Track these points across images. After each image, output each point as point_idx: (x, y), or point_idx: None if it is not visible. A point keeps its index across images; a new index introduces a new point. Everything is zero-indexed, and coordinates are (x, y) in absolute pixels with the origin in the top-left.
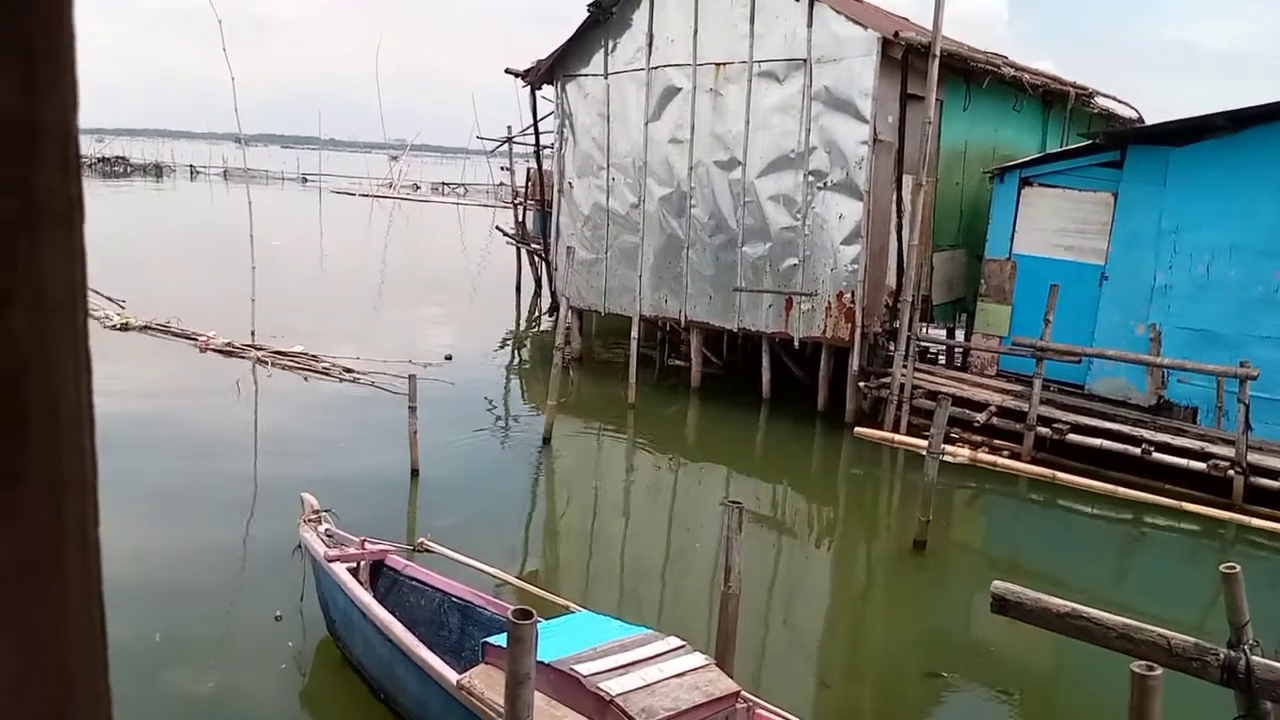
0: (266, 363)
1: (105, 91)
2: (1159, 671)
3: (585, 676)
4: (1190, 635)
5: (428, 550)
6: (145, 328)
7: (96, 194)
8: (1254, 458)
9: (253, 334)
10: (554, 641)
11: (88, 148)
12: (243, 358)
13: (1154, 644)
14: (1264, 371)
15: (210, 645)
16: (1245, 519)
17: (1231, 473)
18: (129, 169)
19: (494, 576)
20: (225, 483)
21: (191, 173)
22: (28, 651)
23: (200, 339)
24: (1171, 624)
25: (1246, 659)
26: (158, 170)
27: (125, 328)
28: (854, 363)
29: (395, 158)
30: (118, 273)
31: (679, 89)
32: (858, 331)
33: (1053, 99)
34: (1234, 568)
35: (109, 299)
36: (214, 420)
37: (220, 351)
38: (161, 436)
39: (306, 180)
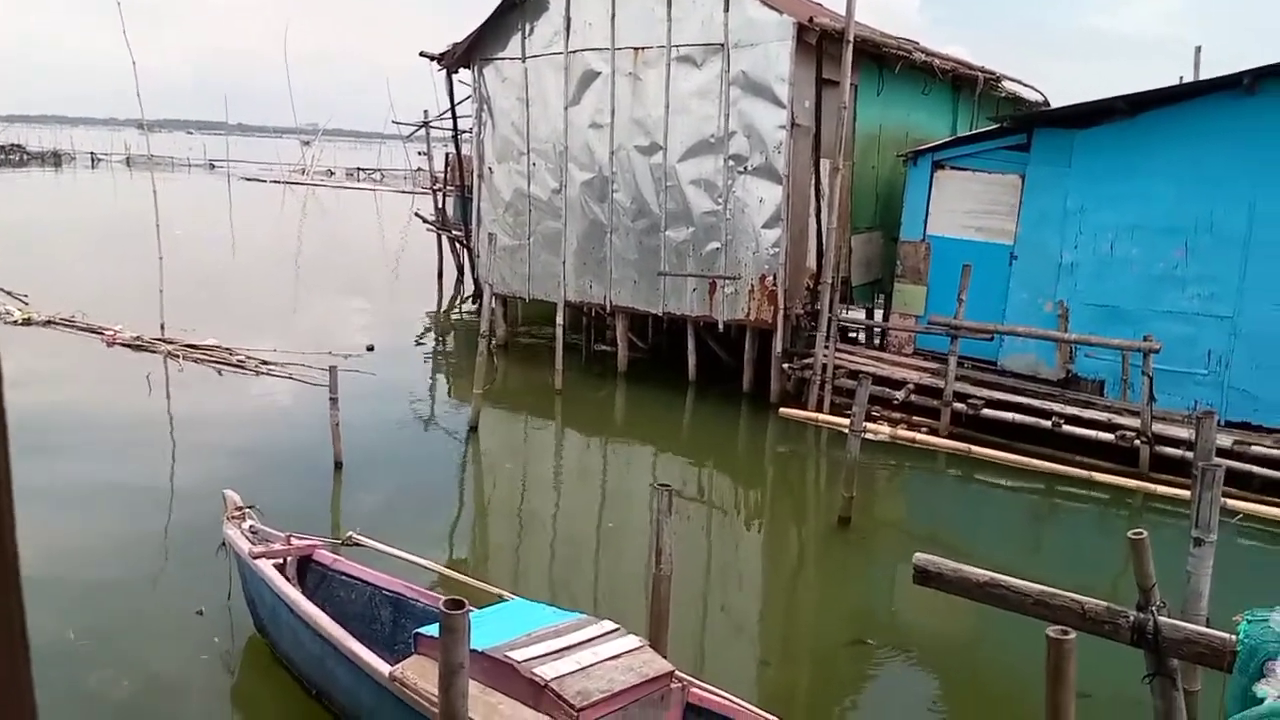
0: (178, 356)
1: None
2: (1073, 635)
3: (519, 663)
4: (1103, 599)
5: (357, 544)
6: (49, 322)
7: None
8: (1158, 428)
9: (162, 327)
10: (487, 630)
11: None
12: (153, 352)
13: (1068, 609)
14: (1166, 345)
15: (132, 646)
16: (1151, 487)
17: (1138, 443)
18: (25, 157)
19: (425, 568)
20: (140, 481)
21: (93, 160)
22: None
23: (107, 333)
24: (1085, 589)
25: (1154, 620)
26: (56, 158)
27: (28, 323)
28: (777, 344)
29: (307, 143)
30: (17, 266)
31: (598, 73)
32: (780, 314)
33: (962, 83)
34: (1141, 534)
35: (9, 293)
36: (125, 417)
37: (129, 345)
38: (70, 435)
39: (214, 167)
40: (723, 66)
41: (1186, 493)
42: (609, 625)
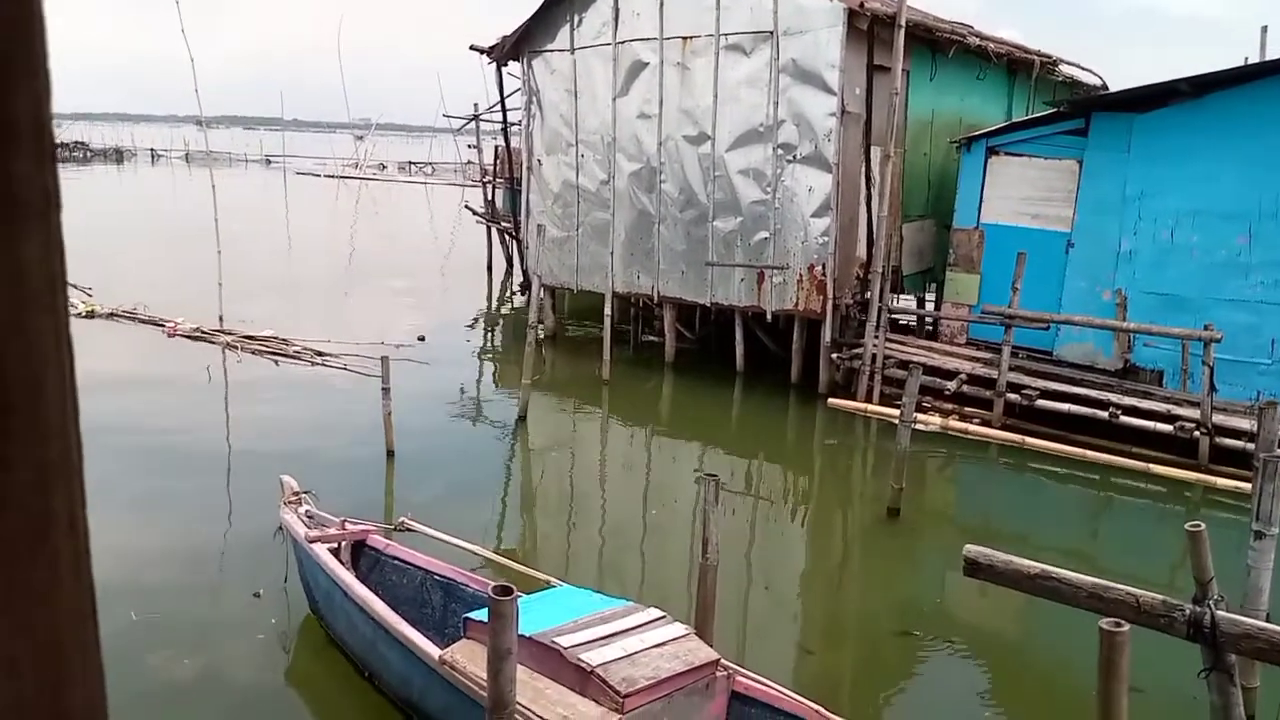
0: (236, 348)
1: (62, 77)
2: (1126, 627)
3: (566, 648)
4: (1159, 593)
5: (409, 529)
6: (111, 315)
7: None
8: (1219, 419)
9: (220, 319)
10: (535, 615)
11: None
12: (211, 343)
13: (1122, 602)
14: (1227, 334)
15: (193, 626)
16: (1211, 479)
17: (1197, 434)
18: (88, 154)
19: (475, 554)
20: (202, 468)
21: (153, 156)
22: (21, 632)
23: (168, 325)
24: (1141, 583)
25: (1211, 614)
26: (118, 155)
27: (91, 315)
28: (826, 334)
29: (360, 137)
30: (82, 259)
31: (646, 63)
32: (829, 303)
33: (1018, 67)
34: (1199, 526)
35: (74, 286)
36: (186, 406)
37: (188, 337)
38: (134, 423)
39: (270, 162)
40: (772, 54)
41: (1247, 485)
42: (655, 613)
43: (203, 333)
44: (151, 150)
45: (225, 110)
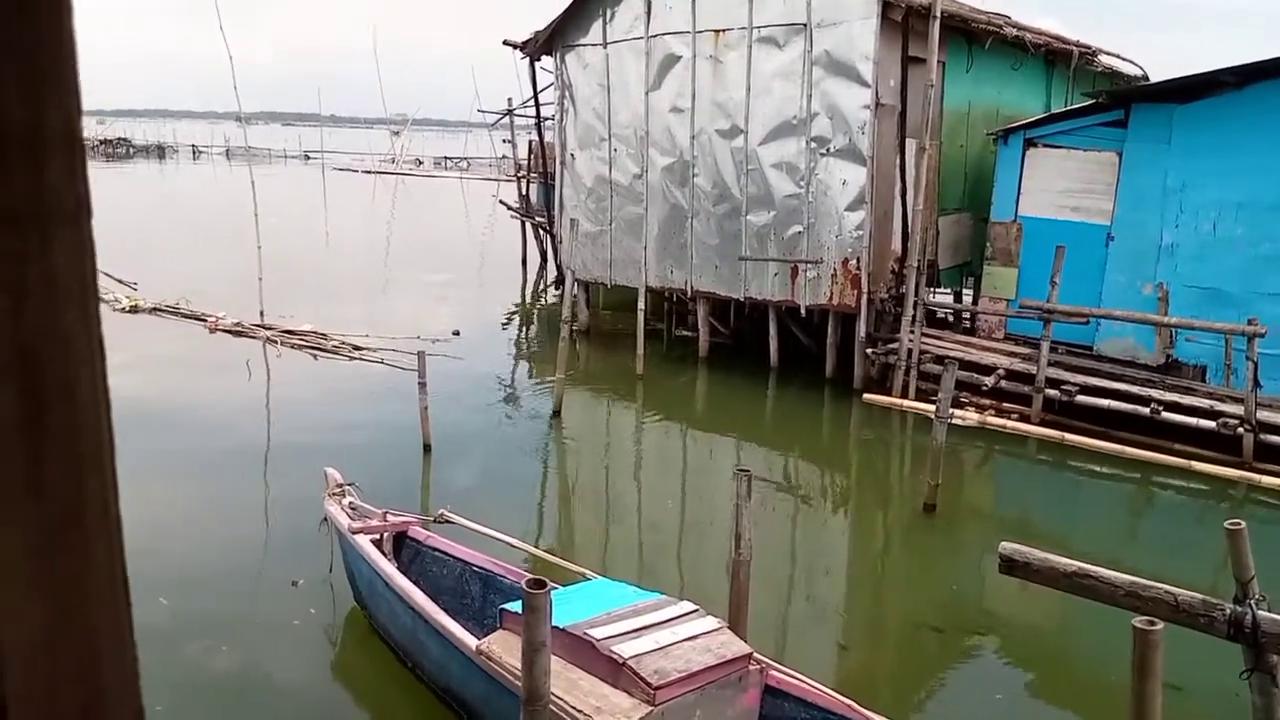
0: (276, 342)
1: (105, 73)
2: (1160, 626)
3: (599, 640)
4: (1200, 593)
5: (447, 521)
6: (155, 310)
7: (100, 177)
8: (1263, 415)
9: (261, 314)
10: (570, 607)
11: (89, 130)
12: (252, 337)
13: (1160, 600)
14: (1272, 328)
15: (233, 616)
16: (1255, 477)
17: (1241, 430)
18: (131, 150)
19: (512, 545)
20: (244, 460)
21: (194, 153)
22: (57, 616)
23: (209, 319)
24: (1181, 582)
25: (1253, 613)
26: (160, 151)
27: (135, 310)
28: (861, 329)
29: (397, 133)
30: (125, 255)
31: (679, 57)
32: (864, 298)
33: (1056, 58)
34: (1239, 524)
35: (119, 281)
36: (228, 399)
37: (229, 332)
38: (176, 416)
39: (309, 158)
40: (805, 46)
41: None
42: (688, 606)
43: (243, 327)
44: (193, 147)
45: (264, 106)
